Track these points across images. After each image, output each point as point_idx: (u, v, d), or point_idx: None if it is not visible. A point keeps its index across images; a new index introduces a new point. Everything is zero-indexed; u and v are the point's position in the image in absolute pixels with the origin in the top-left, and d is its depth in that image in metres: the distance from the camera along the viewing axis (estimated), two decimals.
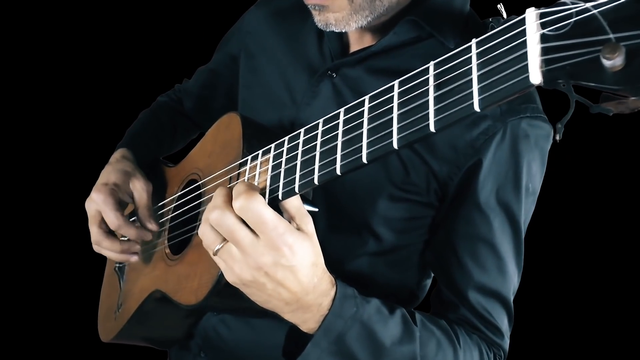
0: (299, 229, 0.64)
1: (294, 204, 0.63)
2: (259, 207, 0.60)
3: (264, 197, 0.67)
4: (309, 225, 0.65)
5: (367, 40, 0.88)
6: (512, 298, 0.85)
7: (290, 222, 0.63)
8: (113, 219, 0.89)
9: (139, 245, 0.93)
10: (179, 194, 0.94)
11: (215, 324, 0.95)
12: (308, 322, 0.68)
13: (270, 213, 0.60)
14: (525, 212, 0.84)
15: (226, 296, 0.75)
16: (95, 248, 0.94)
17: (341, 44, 0.89)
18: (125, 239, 0.93)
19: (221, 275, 0.72)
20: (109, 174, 0.95)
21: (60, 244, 1.99)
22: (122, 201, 0.94)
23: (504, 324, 0.83)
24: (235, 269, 0.63)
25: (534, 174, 0.83)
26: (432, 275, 0.98)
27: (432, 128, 0.49)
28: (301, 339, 0.72)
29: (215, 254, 0.64)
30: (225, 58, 1.13)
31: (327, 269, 0.89)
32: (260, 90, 0.99)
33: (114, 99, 2.06)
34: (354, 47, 0.89)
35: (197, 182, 0.89)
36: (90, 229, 0.92)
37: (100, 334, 1.07)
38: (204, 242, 0.65)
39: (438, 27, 0.82)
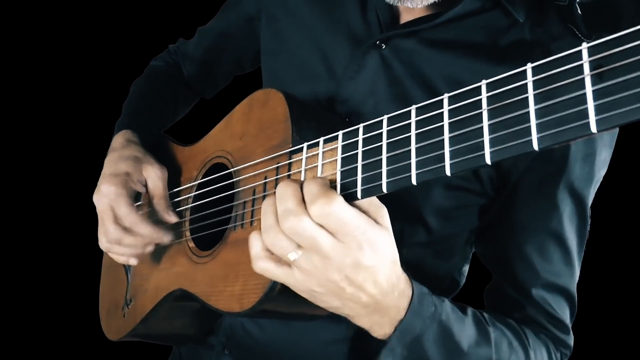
0: (376, 222, 0.56)
1: None
2: (341, 210, 0.53)
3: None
4: (386, 217, 0.57)
5: (419, 9, 0.77)
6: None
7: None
8: (127, 215, 0.77)
9: (167, 236, 0.81)
10: (201, 180, 0.82)
11: (243, 321, 0.86)
12: (384, 327, 0.62)
13: (351, 213, 0.53)
14: (591, 200, 0.78)
15: (278, 304, 0.66)
16: (109, 248, 0.81)
17: (391, 12, 0.78)
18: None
19: (275, 282, 0.63)
20: (117, 163, 0.82)
21: (52, 238, 1.82)
22: (133, 192, 0.82)
23: (568, 318, 0.79)
24: (313, 278, 0.56)
25: (603, 161, 0.76)
26: (470, 260, 0.93)
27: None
28: (369, 347, 0.66)
29: (291, 265, 0.56)
30: (239, 19, 0.99)
31: None
32: (287, 59, 0.87)
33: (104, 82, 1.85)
34: (405, 16, 0.78)
35: (227, 167, 0.77)
36: (104, 227, 0.79)
37: (106, 331, 0.95)
38: (274, 251, 0.56)
39: None
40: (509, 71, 0.70)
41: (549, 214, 0.74)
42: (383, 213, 0.57)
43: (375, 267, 0.55)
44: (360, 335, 0.68)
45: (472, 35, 0.74)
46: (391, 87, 0.76)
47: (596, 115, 0.39)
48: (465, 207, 0.78)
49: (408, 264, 0.82)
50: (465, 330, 0.66)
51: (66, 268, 1.80)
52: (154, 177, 0.82)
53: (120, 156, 0.83)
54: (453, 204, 0.77)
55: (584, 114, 0.40)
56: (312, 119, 0.70)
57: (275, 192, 0.55)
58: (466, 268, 0.93)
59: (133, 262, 0.81)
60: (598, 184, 0.79)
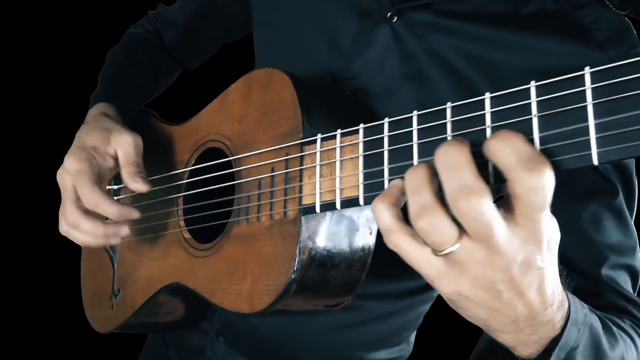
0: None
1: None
2: (550, 186, 0.39)
3: (359, 197, 0.54)
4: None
5: None
6: None
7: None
8: (89, 195, 0.70)
9: (127, 228, 0.74)
10: (194, 166, 0.76)
11: None
12: (530, 346, 0.49)
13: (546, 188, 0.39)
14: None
15: (292, 304, 0.62)
16: (67, 232, 0.74)
17: None
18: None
19: (290, 284, 0.60)
20: (84, 136, 0.74)
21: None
22: (103, 168, 0.74)
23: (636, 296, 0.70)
24: (466, 276, 0.42)
25: None
26: None
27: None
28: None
29: (439, 254, 0.42)
30: None
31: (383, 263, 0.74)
32: (283, 30, 0.80)
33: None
34: None
35: (224, 153, 0.71)
36: (63, 206, 0.72)
37: (92, 321, 0.90)
38: (427, 238, 0.42)
39: None
40: (533, 41, 0.66)
41: (603, 186, 0.68)
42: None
43: (545, 270, 0.43)
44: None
45: (492, 6, 0.68)
46: (403, 63, 0.71)
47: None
48: None
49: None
50: (601, 331, 0.55)
51: (42, 253, 1.70)
52: (124, 144, 0.73)
53: (90, 128, 0.75)
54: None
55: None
56: (322, 103, 0.65)
57: (438, 159, 0.41)
58: None
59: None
60: None
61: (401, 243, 0.44)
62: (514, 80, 0.47)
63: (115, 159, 0.75)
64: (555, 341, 0.49)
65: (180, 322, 0.87)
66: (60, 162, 0.74)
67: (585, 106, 0.40)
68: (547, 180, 0.39)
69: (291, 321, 0.80)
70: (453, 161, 0.40)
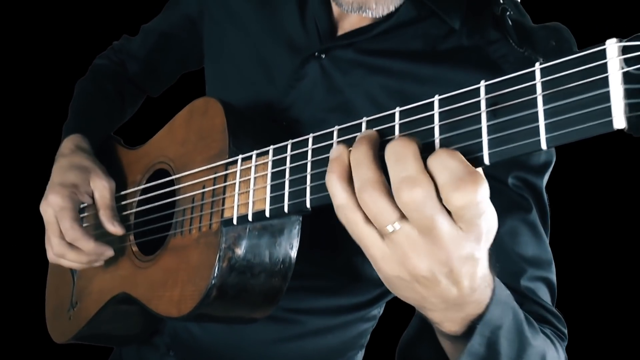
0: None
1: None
2: (487, 198, 0.41)
3: (265, 209, 0.60)
4: None
5: (356, 18, 0.79)
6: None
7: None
8: (69, 230, 0.78)
9: (110, 251, 0.82)
10: (145, 185, 0.84)
11: (186, 322, 0.88)
12: (455, 324, 0.52)
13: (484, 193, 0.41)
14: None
15: (215, 309, 0.68)
16: (55, 260, 0.82)
17: (329, 22, 0.81)
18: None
19: (210, 289, 0.66)
20: (65, 171, 0.83)
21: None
22: (80, 204, 0.83)
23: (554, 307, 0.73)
24: (410, 261, 0.44)
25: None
26: None
27: (486, 161, 0.44)
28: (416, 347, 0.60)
29: (384, 234, 0.44)
30: (183, 20, 1.00)
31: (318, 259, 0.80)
32: (229, 65, 0.89)
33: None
34: (343, 24, 0.81)
35: (169, 174, 0.79)
36: (49, 238, 0.81)
37: (52, 333, 0.96)
38: (369, 212, 0.44)
39: (440, 4, 0.75)
40: (447, 74, 0.73)
41: (518, 200, 0.72)
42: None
43: (481, 259, 0.45)
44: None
45: (411, 43, 0.76)
46: (330, 96, 0.79)
47: (489, 148, 0.43)
48: None
49: (352, 266, 0.85)
50: (525, 319, 0.57)
51: (13, 268, 1.75)
52: (100, 188, 0.84)
53: (70, 164, 0.84)
54: None
55: (480, 148, 0.43)
56: (250, 129, 0.72)
57: (387, 151, 0.43)
58: None
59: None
60: (550, 168, 0.76)
61: (353, 219, 0.45)
62: None
63: (92, 197, 0.84)
64: (480, 318, 0.51)
65: (132, 334, 0.92)
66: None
67: (433, 127, 0.47)
68: (479, 196, 0.40)
69: (231, 333, 0.86)
70: (399, 153, 0.42)
